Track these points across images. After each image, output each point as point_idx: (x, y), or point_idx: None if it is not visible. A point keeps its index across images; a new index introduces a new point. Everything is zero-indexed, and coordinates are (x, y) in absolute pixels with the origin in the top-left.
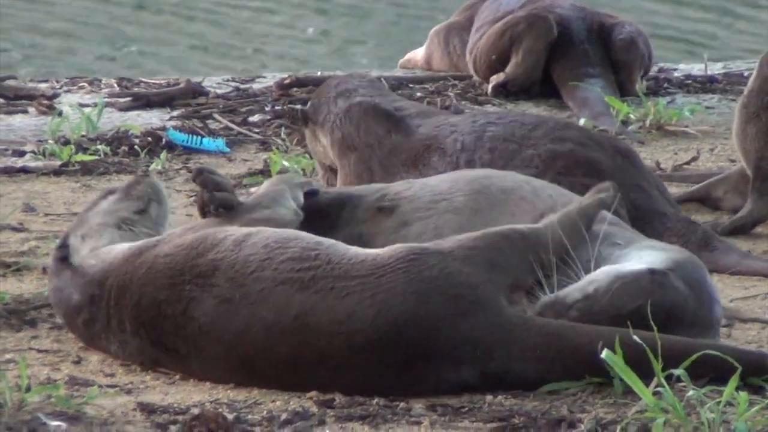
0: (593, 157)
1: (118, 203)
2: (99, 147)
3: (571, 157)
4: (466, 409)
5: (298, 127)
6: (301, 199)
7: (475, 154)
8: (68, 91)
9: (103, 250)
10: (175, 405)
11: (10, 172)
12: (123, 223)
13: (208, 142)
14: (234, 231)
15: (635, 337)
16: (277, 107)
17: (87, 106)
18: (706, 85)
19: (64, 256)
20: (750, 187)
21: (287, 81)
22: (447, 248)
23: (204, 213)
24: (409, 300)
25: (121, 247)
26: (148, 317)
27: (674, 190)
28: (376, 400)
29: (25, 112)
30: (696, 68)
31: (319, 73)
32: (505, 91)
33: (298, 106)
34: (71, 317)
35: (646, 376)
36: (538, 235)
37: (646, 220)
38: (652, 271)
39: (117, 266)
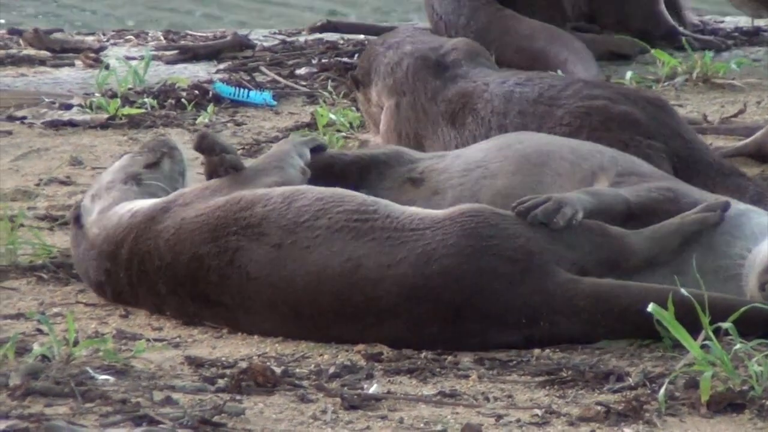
0: (626, 110)
1: (130, 160)
2: (146, 100)
3: (604, 113)
4: (514, 362)
5: (348, 86)
6: (308, 155)
7: (506, 118)
8: (114, 44)
9: (108, 215)
10: (223, 359)
11: (57, 125)
12: (131, 178)
13: (255, 95)
14: (278, 189)
15: (684, 292)
16: (324, 60)
17: (133, 59)
18: (753, 37)
19: (76, 217)
20: None
21: (319, 24)
22: (512, 214)
23: (211, 176)
24: (461, 253)
25: (128, 213)
26: (188, 273)
27: (721, 143)
28: (423, 354)
29: (72, 65)
30: (742, 20)
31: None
32: None
33: (352, 73)
34: (97, 289)
35: (694, 331)
36: (624, 243)
37: (692, 170)
38: None
39: (128, 236)
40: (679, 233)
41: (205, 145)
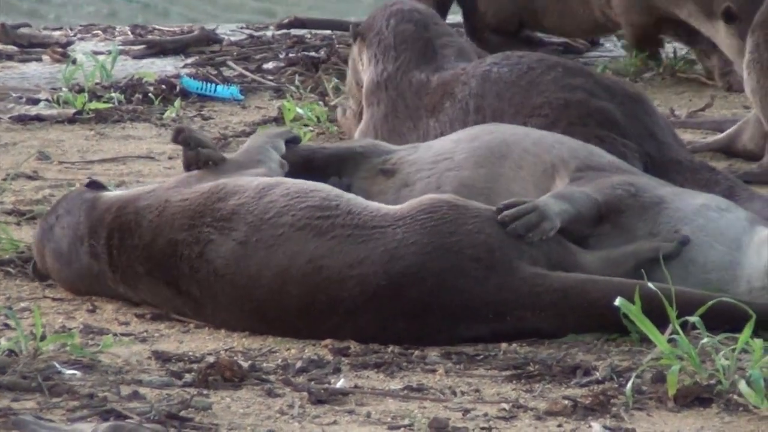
0: (604, 107)
1: None
2: (113, 95)
3: (583, 108)
4: (481, 357)
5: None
6: (283, 148)
7: (483, 100)
8: (82, 38)
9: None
10: (190, 353)
11: (24, 120)
12: None
13: (222, 90)
14: (257, 179)
15: (651, 286)
16: (291, 54)
17: (101, 53)
18: None
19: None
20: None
21: (286, 21)
22: (474, 206)
23: (188, 169)
24: (424, 251)
25: (116, 193)
26: (164, 257)
27: (688, 136)
28: (390, 348)
29: (39, 60)
30: None
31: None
32: None
33: (353, 21)
34: (69, 255)
35: (661, 325)
36: (576, 260)
37: (663, 169)
38: None
39: (115, 210)
40: (632, 261)
41: (181, 139)
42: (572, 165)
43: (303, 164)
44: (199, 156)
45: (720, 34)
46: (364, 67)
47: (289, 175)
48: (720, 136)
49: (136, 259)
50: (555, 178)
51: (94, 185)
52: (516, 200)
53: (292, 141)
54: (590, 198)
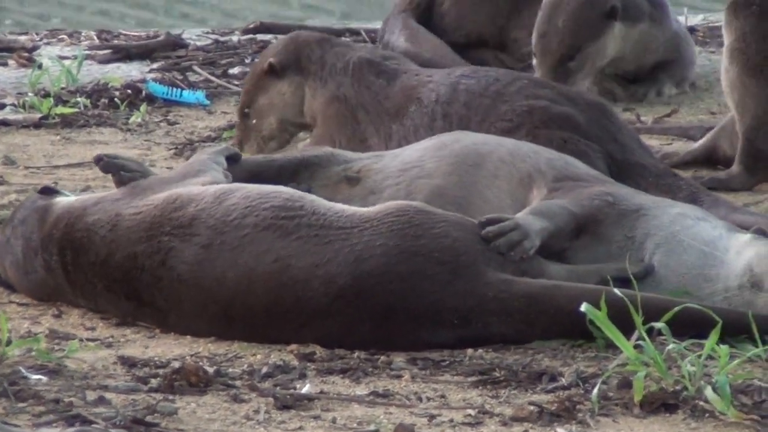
0: (566, 111)
1: None
2: (79, 99)
3: (546, 113)
4: (447, 362)
5: (269, 85)
6: (224, 163)
7: (450, 107)
8: (48, 43)
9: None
10: (156, 359)
11: None
12: None
13: (188, 95)
14: (213, 187)
15: (617, 291)
16: (256, 59)
17: (67, 58)
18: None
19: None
20: (738, 155)
21: (252, 26)
22: (442, 212)
23: None
24: (390, 253)
25: (64, 203)
26: (123, 271)
27: (655, 142)
28: (356, 354)
29: (5, 64)
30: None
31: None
32: None
33: (269, 60)
34: (26, 266)
35: (628, 331)
36: (543, 270)
37: (627, 173)
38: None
39: (64, 226)
40: (596, 278)
41: (102, 167)
42: (549, 175)
43: (251, 178)
44: (122, 180)
45: None
46: (310, 93)
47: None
48: (695, 146)
49: (93, 275)
50: (532, 188)
51: (47, 191)
52: (498, 216)
53: (233, 158)
54: (569, 212)
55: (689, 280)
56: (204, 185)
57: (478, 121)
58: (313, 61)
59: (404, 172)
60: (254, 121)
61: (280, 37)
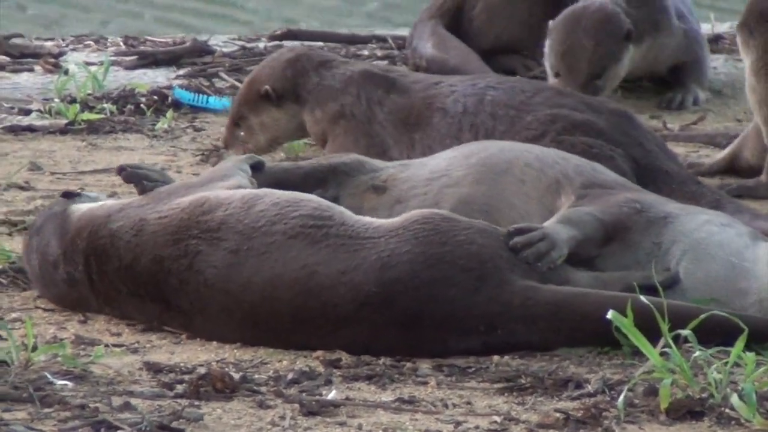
0: (590, 119)
1: None
2: (105, 106)
3: (569, 120)
4: (473, 369)
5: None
6: (249, 171)
7: (477, 117)
8: (74, 49)
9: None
10: (182, 364)
11: (16, 130)
12: None
13: (214, 101)
14: (241, 191)
15: (643, 299)
16: (251, 71)
17: (93, 64)
18: (713, 45)
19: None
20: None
21: (279, 33)
22: (467, 219)
23: None
24: (415, 261)
25: (85, 211)
26: (149, 275)
27: (681, 150)
28: (382, 360)
29: (31, 70)
30: (703, 27)
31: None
32: None
33: (266, 87)
34: (45, 279)
35: (654, 339)
36: (567, 277)
37: (650, 179)
38: None
39: (87, 235)
40: (620, 286)
41: (124, 177)
42: (577, 182)
43: (276, 185)
44: (145, 189)
45: None
46: (311, 119)
47: None
48: (720, 157)
49: (118, 281)
50: (560, 194)
51: (69, 195)
52: (526, 226)
53: (257, 166)
54: (597, 220)
55: (717, 290)
56: (230, 189)
57: (503, 131)
58: (309, 89)
59: (431, 181)
60: (242, 134)
61: (306, 44)
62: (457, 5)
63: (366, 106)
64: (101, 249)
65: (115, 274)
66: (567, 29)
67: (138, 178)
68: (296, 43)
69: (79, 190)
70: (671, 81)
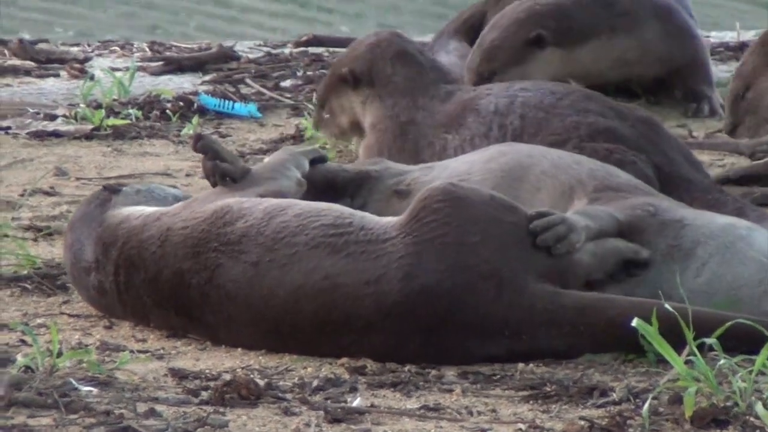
0: (614, 125)
1: None
2: (131, 111)
3: (593, 126)
4: (498, 376)
5: (342, 90)
6: (306, 167)
7: (506, 118)
8: (100, 55)
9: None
10: (207, 371)
11: (41, 136)
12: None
13: (240, 107)
14: (261, 201)
15: (668, 306)
16: (309, 72)
17: (119, 70)
18: (738, 52)
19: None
20: None
21: (304, 39)
22: (475, 210)
23: (207, 179)
24: (438, 270)
25: (123, 218)
26: (171, 288)
27: (705, 158)
28: (407, 368)
29: (57, 75)
30: (728, 35)
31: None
32: None
33: (345, 69)
34: (80, 281)
35: (678, 346)
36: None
37: (673, 186)
38: None
39: (121, 245)
40: (617, 254)
41: (200, 147)
42: (590, 186)
43: (324, 185)
44: (216, 169)
45: None
46: (367, 107)
47: (308, 194)
48: (750, 164)
49: (143, 292)
50: (573, 199)
51: (110, 189)
52: (545, 210)
53: (319, 160)
54: (612, 216)
55: (746, 292)
56: (264, 195)
57: (531, 134)
58: (382, 78)
59: None
60: (327, 116)
61: (332, 49)
62: (479, 20)
63: (411, 110)
64: (130, 260)
65: (141, 286)
66: (485, 28)
67: (213, 152)
68: (321, 49)
69: (120, 186)
70: (674, 86)
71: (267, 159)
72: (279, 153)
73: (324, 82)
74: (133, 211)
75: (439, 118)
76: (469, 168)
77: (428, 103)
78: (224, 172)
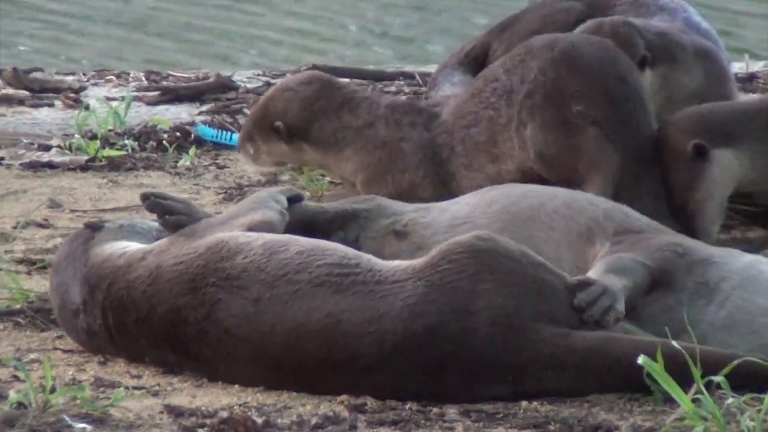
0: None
1: None
2: (126, 142)
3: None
4: (501, 415)
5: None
6: (285, 202)
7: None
8: (95, 84)
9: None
10: (203, 408)
11: (35, 166)
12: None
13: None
14: (258, 237)
15: (675, 344)
16: (262, 96)
17: (114, 99)
18: (747, 83)
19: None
20: None
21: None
22: (495, 260)
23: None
24: (443, 312)
25: (106, 257)
26: (166, 326)
27: None
28: (408, 405)
29: (51, 105)
30: (737, 66)
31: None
32: None
33: (278, 123)
34: (67, 323)
35: (686, 385)
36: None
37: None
38: None
39: (107, 287)
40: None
41: (148, 206)
42: (610, 229)
43: (302, 225)
44: (167, 224)
45: None
46: (332, 160)
47: (287, 232)
48: None
49: (137, 333)
50: (594, 242)
51: (91, 227)
52: (585, 279)
53: (295, 199)
54: (644, 266)
55: (764, 321)
56: (251, 225)
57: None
58: (328, 133)
59: (453, 228)
60: (252, 153)
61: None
62: (483, 51)
63: (395, 133)
64: (119, 301)
65: (134, 326)
66: None
67: (161, 209)
68: None
69: (102, 223)
70: None
71: (242, 201)
72: (256, 193)
73: (251, 120)
74: (115, 249)
75: (429, 152)
76: (470, 211)
77: (415, 135)
78: (177, 225)
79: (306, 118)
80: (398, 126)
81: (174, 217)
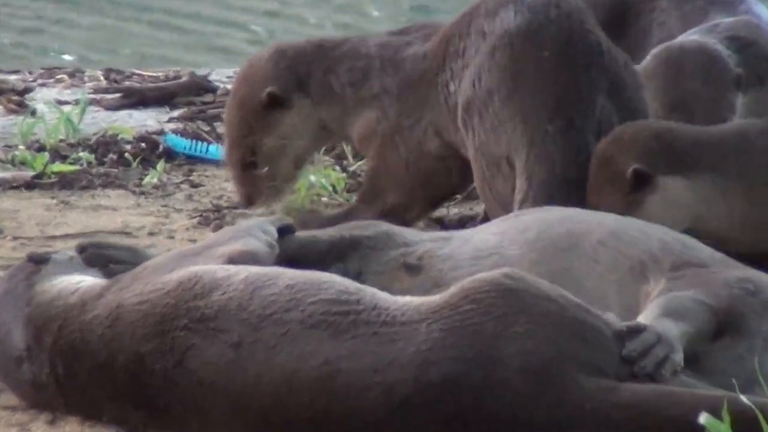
0: None
1: None
2: (81, 155)
3: None
4: None
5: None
6: (275, 233)
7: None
8: (43, 84)
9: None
10: None
11: None
12: None
13: (216, 150)
14: (239, 270)
15: (743, 399)
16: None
17: (67, 103)
18: None
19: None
20: None
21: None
22: (528, 297)
23: None
24: (463, 358)
25: (55, 294)
26: (128, 376)
27: None
28: None
29: None
30: None
31: None
32: None
33: (269, 89)
34: (8, 374)
35: None
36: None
37: None
38: None
39: (57, 330)
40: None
41: (85, 260)
42: (667, 262)
43: (294, 260)
44: (111, 274)
45: None
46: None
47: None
48: None
49: (93, 385)
50: (647, 278)
51: (35, 260)
52: (636, 324)
53: (286, 230)
54: (707, 308)
55: None
56: (231, 256)
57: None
58: (316, 75)
59: (478, 260)
60: (265, 170)
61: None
62: None
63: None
64: (70, 347)
65: (89, 377)
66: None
67: (102, 261)
68: None
69: (48, 255)
70: None
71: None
72: (241, 223)
73: (233, 138)
74: (66, 285)
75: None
76: (499, 240)
77: (406, 60)
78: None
79: (287, 68)
80: (401, 69)
81: (115, 267)
